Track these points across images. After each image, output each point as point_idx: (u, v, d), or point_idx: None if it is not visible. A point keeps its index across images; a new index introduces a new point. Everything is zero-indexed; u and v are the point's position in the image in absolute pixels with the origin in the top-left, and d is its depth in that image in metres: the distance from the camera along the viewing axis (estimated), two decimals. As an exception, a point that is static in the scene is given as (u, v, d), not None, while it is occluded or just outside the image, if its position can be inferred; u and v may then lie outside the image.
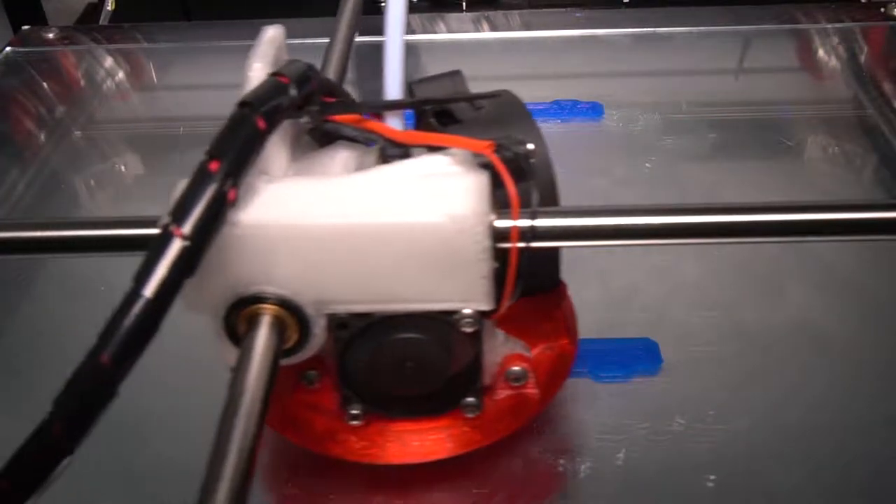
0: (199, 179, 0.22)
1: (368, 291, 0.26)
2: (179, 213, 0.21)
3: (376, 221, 0.25)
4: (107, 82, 0.59)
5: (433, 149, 0.28)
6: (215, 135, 0.23)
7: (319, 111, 0.28)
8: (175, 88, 0.60)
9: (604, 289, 0.39)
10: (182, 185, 0.22)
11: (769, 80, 0.57)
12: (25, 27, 0.64)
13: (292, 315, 0.26)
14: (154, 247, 0.21)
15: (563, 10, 0.64)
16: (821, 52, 0.59)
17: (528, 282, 0.27)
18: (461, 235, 0.25)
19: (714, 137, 0.50)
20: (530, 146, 0.27)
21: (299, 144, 0.29)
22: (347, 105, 0.30)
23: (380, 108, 0.31)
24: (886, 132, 0.50)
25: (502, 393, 0.32)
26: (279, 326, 0.26)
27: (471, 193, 0.25)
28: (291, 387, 0.31)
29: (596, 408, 0.34)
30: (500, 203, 0.26)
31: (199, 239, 0.21)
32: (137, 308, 0.20)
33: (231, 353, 0.26)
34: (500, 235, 0.26)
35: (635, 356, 0.36)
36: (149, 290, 0.20)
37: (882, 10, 0.61)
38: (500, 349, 0.31)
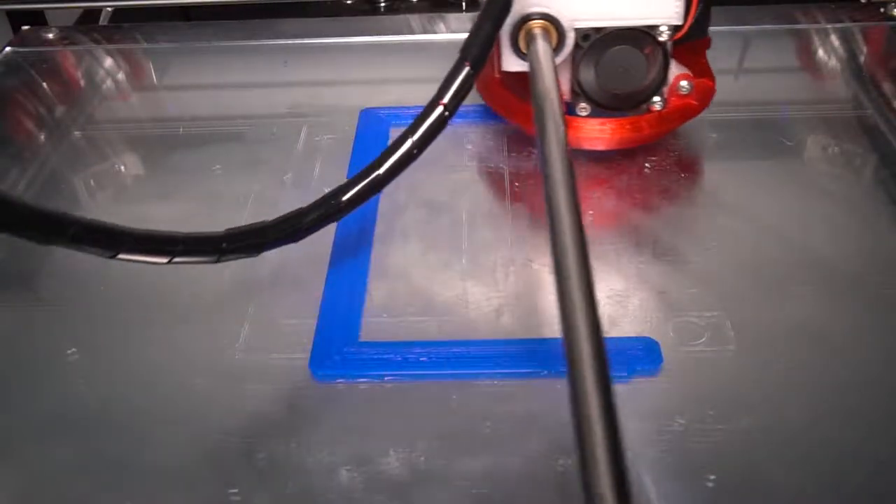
0: None
1: (604, 11, 0.42)
2: None
3: None
4: (107, 82, 0.59)
5: None
6: None
7: None
8: (175, 88, 0.60)
9: (604, 288, 0.39)
10: None
11: (769, 80, 0.57)
12: (25, 27, 0.64)
13: (554, 27, 0.42)
14: None
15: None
16: (821, 52, 0.59)
17: (694, 27, 0.44)
18: None
19: (714, 137, 0.50)
20: None
21: None
22: None
23: None
24: (886, 132, 0.50)
25: (674, 102, 0.46)
26: (548, 36, 0.42)
27: None
28: (523, 96, 0.46)
29: (596, 408, 0.34)
30: None
31: None
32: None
33: (512, 62, 0.43)
34: None
35: (635, 356, 0.36)
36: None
37: (882, 10, 0.61)
38: (675, 70, 0.46)
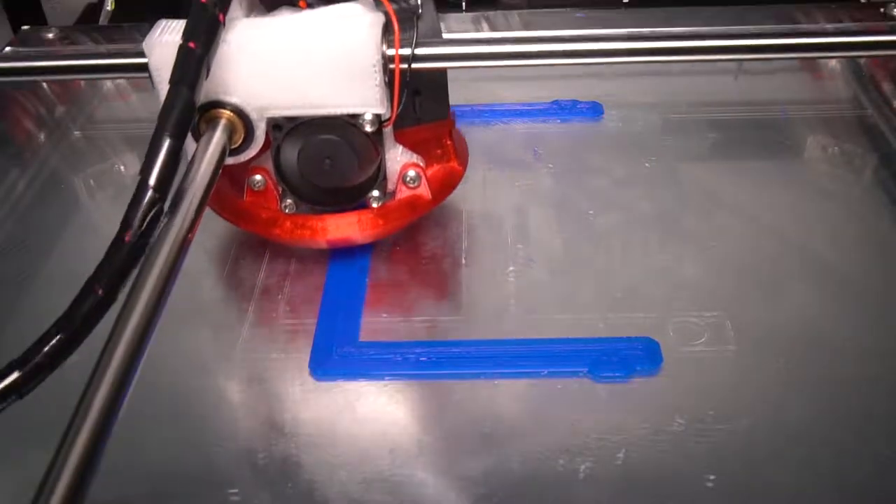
0: (198, 8, 0.32)
1: (297, 99, 0.36)
2: (189, 31, 0.32)
3: (305, 43, 0.35)
4: (107, 82, 0.59)
5: None
6: None
7: None
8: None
9: (604, 289, 0.39)
10: (171, 22, 0.35)
11: (769, 80, 0.57)
12: (25, 27, 0.64)
13: (241, 119, 0.36)
14: (181, 54, 0.31)
15: (563, 10, 0.64)
16: (821, 52, 0.59)
17: (423, 109, 0.39)
18: (361, 53, 0.35)
19: (714, 137, 0.50)
20: (417, 1, 0.37)
21: (253, 9, 0.38)
22: None
23: None
24: (886, 132, 0.50)
25: (401, 193, 0.40)
26: (230, 128, 0.36)
27: (369, 26, 0.36)
28: (243, 190, 0.40)
29: (596, 408, 0.34)
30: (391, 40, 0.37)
31: (207, 47, 0.32)
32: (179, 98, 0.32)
33: (192, 146, 0.34)
34: (388, 58, 0.36)
35: (635, 356, 0.36)
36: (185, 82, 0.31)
37: (882, 10, 0.61)
38: (401, 159, 0.40)
